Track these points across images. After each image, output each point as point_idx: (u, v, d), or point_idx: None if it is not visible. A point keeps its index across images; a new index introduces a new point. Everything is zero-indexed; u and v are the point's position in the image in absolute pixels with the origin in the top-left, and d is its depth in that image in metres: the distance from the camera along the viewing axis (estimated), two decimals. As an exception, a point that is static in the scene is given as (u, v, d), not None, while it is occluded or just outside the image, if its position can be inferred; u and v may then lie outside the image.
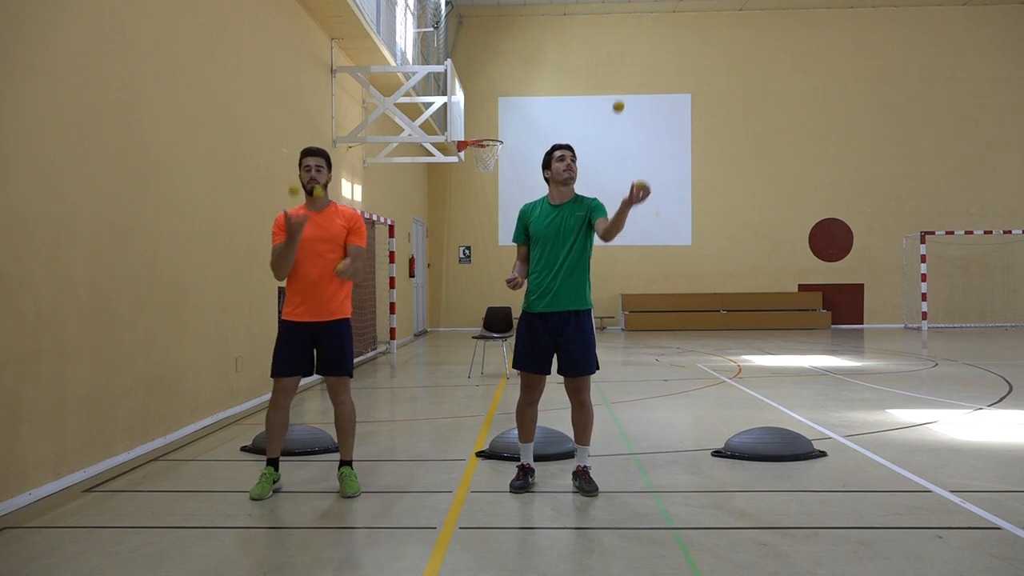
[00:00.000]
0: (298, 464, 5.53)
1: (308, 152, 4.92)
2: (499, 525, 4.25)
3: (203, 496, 4.87)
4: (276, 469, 4.88)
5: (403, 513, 4.45)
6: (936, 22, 20.09)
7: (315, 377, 4.97)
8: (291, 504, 4.64)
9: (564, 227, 4.78)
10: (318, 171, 4.86)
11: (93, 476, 5.20)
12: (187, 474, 5.46)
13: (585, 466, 4.87)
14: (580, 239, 4.80)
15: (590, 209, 4.80)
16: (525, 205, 5.00)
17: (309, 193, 4.85)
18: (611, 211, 4.57)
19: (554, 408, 7.03)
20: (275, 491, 4.83)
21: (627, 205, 4.30)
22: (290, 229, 4.57)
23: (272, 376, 4.85)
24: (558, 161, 4.84)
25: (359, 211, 11.40)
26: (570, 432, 5.15)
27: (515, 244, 5.00)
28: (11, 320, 4.51)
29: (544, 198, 4.95)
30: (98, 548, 3.90)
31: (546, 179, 4.94)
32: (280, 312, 4.95)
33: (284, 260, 4.69)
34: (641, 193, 4.17)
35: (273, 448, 4.88)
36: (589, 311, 4.86)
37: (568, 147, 4.89)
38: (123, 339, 5.67)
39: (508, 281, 4.75)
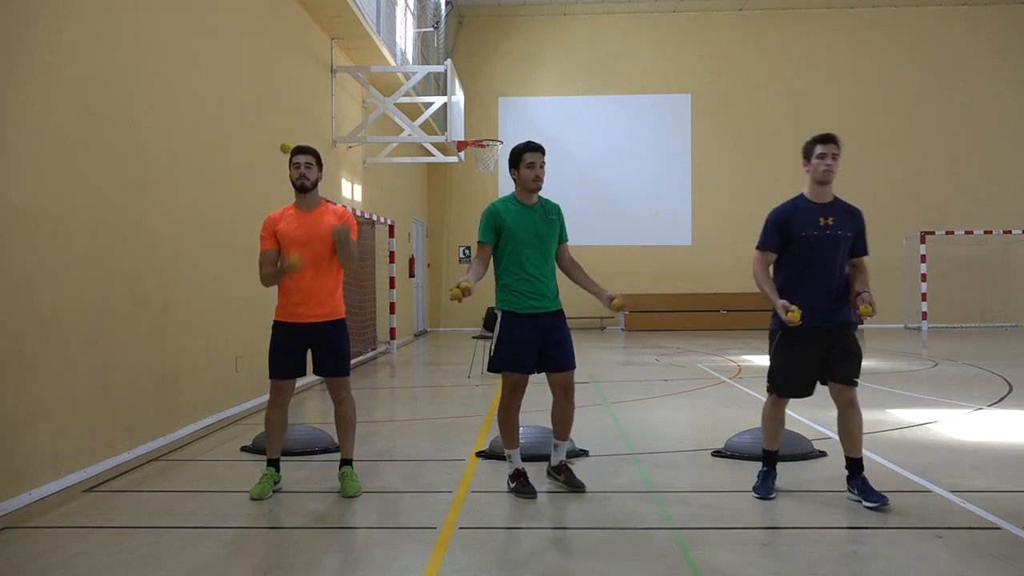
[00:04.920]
0: (298, 464, 5.53)
1: (297, 150, 4.89)
2: (499, 525, 4.25)
3: (203, 496, 4.87)
4: (277, 470, 4.88)
5: (403, 513, 4.45)
6: (936, 22, 20.08)
7: (315, 376, 4.97)
8: (291, 504, 4.64)
9: (542, 229, 4.79)
10: (307, 168, 4.84)
11: (93, 476, 5.19)
12: (187, 474, 5.46)
13: (567, 462, 4.94)
14: (555, 243, 4.88)
15: (560, 222, 4.92)
16: (493, 204, 4.83)
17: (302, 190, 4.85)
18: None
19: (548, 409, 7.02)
20: (275, 491, 4.83)
21: (601, 301, 4.76)
22: (282, 269, 4.67)
23: (271, 378, 4.84)
24: (527, 168, 4.74)
25: (354, 209, 11.42)
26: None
27: (480, 243, 4.80)
28: (11, 320, 4.51)
29: (511, 197, 4.84)
30: (98, 548, 3.89)
31: (513, 177, 4.84)
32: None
33: (272, 280, 4.80)
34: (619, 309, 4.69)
35: (273, 449, 4.88)
36: (563, 311, 4.93)
37: (539, 150, 4.78)
38: (123, 339, 5.67)
39: (462, 289, 4.41)
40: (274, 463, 4.87)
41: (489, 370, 4.94)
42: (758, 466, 5.04)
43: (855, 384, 4.53)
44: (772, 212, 4.71)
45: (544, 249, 4.80)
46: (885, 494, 4.44)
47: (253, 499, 4.66)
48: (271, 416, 4.87)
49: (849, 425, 4.54)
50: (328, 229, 4.74)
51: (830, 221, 4.51)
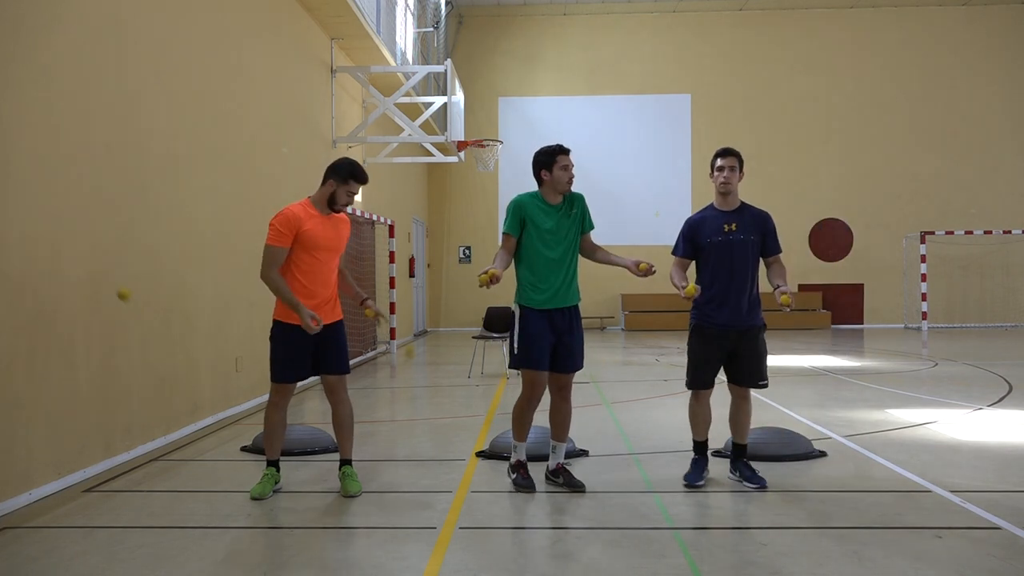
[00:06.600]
0: (298, 464, 5.53)
1: (359, 178, 4.72)
2: (499, 525, 4.26)
3: (203, 496, 4.87)
4: (277, 470, 4.88)
5: (403, 513, 4.45)
6: (936, 22, 20.08)
7: (315, 377, 4.95)
8: (291, 504, 4.64)
9: (565, 227, 4.83)
10: (354, 197, 4.84)
11: (93, 476, 5.19)
12: (187, 474, 5.46)
13: (564, 463, 4.98)
14: (578, 237, 4.90)
15: (582, 211, 4.93)
16: (519, 197, 4.87)
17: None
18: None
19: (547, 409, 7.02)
20: (275, 492, 4.83)
21: (628, 269, 4.77)
22: (310, 320, 4.49)
23: (277, 382, 4.77)
24: (561, 170, 4.80)
25: (354, 210, 11.42)
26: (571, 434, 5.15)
27: (506, 234, 4.83)
28: (11, 320, 4.51)
29: (536, 195, 4.87)
30: (98, 548, 3.90)
31: (540, 178, 4.87)
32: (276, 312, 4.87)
33: (281, 296, 4.60)
34: (645, 274, 4.69)
35: (274, 450, 4.87)
36: (578, 306, 4.97)
37: (569, 152, 4.87)
38: (123, 339, 5.67)
39: (490, 277, 4.51)
40: (274, 464, 4.87)
41: (510, 367, 4.95)
42: (759, 466, 5.06)
43: (761, 387, 4.94)
44: (685, 221, 5.09)
45: (564, 247, 4.82)
46: (885, 494, 4.44)
47: (254, 499, 4.66)
48: (272, 418, 4.85)
49: (741, 414, 4.99)
50: (344, 240, 4.82)
51: (733, 227, 4.89)
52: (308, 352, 4.76)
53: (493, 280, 4.54)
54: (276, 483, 4.83)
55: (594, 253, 5.02)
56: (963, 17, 20.02)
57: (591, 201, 5.07)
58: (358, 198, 12.75)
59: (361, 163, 12.98)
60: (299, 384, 5.06)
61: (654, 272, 4.70)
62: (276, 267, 4.60)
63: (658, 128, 20.41)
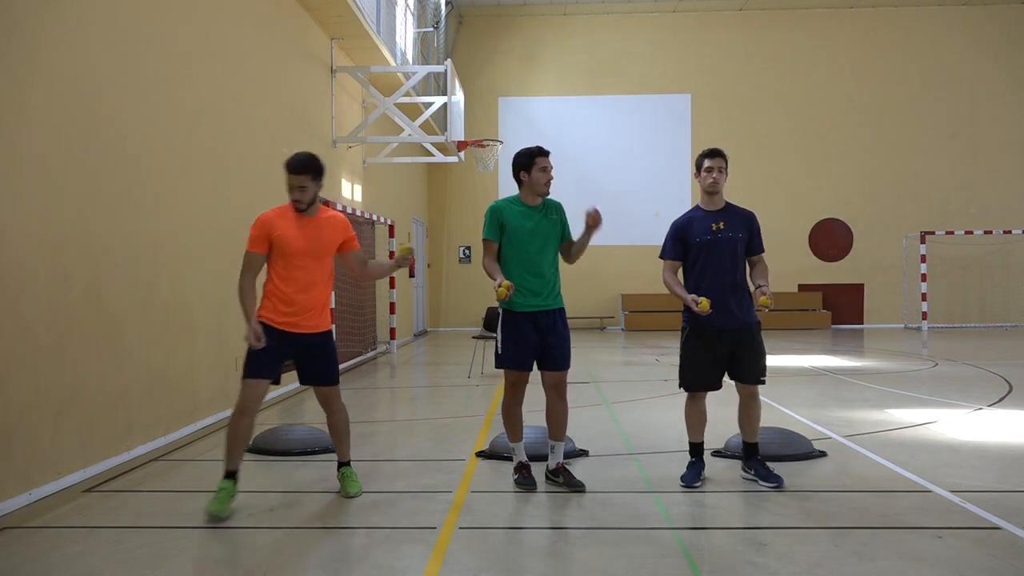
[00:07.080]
0: (298, 464, 5.53)
1: (294, 168, 4.57)
2: (499, 525, 4.26)
3: (203, 496, 4.84)
4: (236, 482, 4.45)
5: (403, 513, 4.45)
6: (936, 22, 20.08)
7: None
8: (291, 504, 4.64)
9: (544, 229, 4.86)
10: (301, 192, 4.54)
11: (93, 476, 5.19)
12: (187, 474, 5.46)
13: (565, 463, 4.98)
14: (558, 242, 4.94)
15: (562, 220, 4.99)
16: (496, 203, 4.93)
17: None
18: (578, 214, 4.82)
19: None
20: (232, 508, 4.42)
21: (589, 232, 4.79)
22: (252, 334, 4.40)
23: (249, 378, 4.46)
24: (541, 171, 4.83)
25: (354, 210, 11.40)
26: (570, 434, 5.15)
27: (487, 240, 4.85)
28: (10, 320, 4.51)
29: (515, 198, 4.92)
30: (98, 548, 3.90)
31: (519, 180, 4.90)
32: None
33: (240, 302, 4.52)
34: (596, 220, 4.73)
35: (234, 459, 4.46)
36: (564, 309, 4.99)
37: (549, 154, 4.91)
38: (122, 339, 5.67)
39: (507, 288, 4.53)
40: (232, 475, 4.44)
41: (495, 367, 4.98)
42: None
43: (761, 383, 4.94)
44: (672, 224, 5.10)
45: (545, 248, 4.86)
46: (885, 494, 4.43)
47: (212, 515, 4.24)
48: (238, 424, 4.45)
49: (750, 413, 5.00)
50: (331, 242, 4.64)
51: (721, 226, 4.92)
52: (283, 356, 4.57)
53: (509, 291, 4.57)
54: (232, 497, 4.39)
55: (568, 251, 5.01)
56: (963, 17, 20.02)
57: (590, 201, 5.09)
58: (358, 197, 12.75)
59: (361, 163, 13.03)
60: (299, 385, 5.04)
61: (599, 219, 4.73)
62: (250, 273, 4.56)
63: (658, 128, 20.42)
